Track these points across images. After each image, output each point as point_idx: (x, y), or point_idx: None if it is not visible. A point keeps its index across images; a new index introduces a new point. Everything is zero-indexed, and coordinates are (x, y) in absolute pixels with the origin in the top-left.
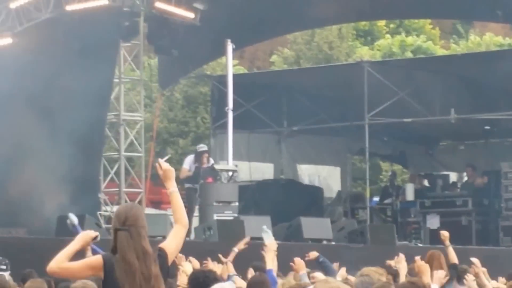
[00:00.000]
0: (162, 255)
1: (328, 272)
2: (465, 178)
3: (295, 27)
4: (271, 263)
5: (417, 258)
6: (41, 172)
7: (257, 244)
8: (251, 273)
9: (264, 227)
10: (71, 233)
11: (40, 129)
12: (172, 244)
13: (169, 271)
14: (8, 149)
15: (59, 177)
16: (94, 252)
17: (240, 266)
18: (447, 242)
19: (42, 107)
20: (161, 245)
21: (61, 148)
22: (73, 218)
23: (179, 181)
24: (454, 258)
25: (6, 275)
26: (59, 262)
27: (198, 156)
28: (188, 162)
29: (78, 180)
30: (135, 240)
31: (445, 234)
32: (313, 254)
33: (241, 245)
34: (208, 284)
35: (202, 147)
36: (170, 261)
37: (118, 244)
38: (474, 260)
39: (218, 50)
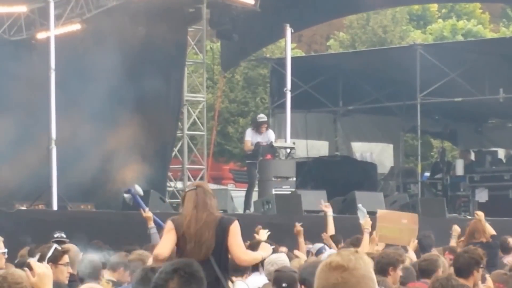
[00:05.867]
0: (225, 224)
1: None
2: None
3: (351, 10)
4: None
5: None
6: (111, 148)
7: (312, 217)
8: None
9: (360, 205)
10: (137, 207)
11: (109, 108)
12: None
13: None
14: (80, 127)
15: (128, 154)
16: (156, 224)
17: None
18: (483, 220)
19: (112, 87)
20: (230, 228)
21: (131, 126)
22: (138, 189)
23: (241, 159)
24: (492, 230)
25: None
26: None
27: (258, 126)
28: (249, 134)
29: (148, 156)
30: (199, 195)
31: (479, 213)
32: None
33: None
34: None
35: (262, 117)
36: (229, 237)
37: (186, 202)
38: None
39: (276, 34)
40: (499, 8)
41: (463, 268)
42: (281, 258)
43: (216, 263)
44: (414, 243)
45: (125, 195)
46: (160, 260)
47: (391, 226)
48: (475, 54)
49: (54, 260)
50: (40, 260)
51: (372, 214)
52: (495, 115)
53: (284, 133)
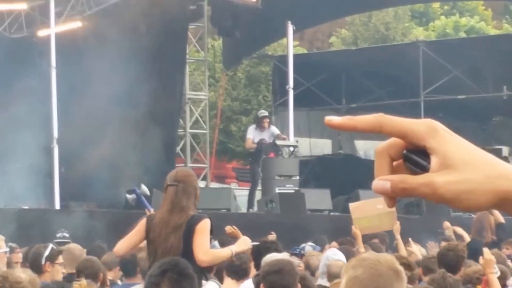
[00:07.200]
0: (192, 222)
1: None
2: None
3: (353, 9)
4: None
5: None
6: (112, 147)
7: (315, 216)
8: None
9: None
10: (141, 207)
11: (112, 106)
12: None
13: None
14: (81, 126)
15: (130, 152)
16: (140, 202)
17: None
18: None
19: (113, 85)
20: (196, 228)
21: (134, 124)
22: (144, 189)
23: (244, 157)
24: (500, 218)
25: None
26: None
27: (259, 121)
28: (251, 131)
29: (151, 154)
30: (178, 195)
31: None
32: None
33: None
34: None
35: (263, 112)
36: (194, 236)
37: (164, 198)
38: None
39: (279, 32)
40: (501, 5)
41: (451, 266)
42: (274, 258)
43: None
44: (397, 225)
45: (128, 196)
46: (117, 256)
47: (367, 216)
48: (478, 51)
49: (52, 259)
50: (39, 259)
51: None
52: (499, 112)
53: (287, 131)
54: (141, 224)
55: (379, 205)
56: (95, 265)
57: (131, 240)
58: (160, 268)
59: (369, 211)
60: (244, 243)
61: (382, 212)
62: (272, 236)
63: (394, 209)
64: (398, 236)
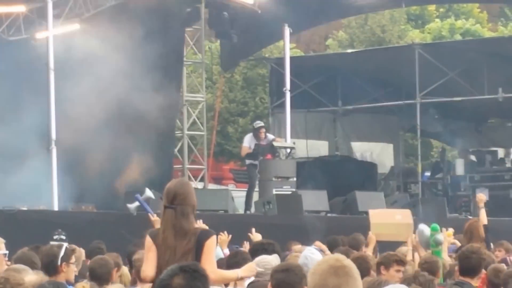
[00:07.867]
0: (201, 238)
1: None
2: None
3: (350, 12)
4: None
5: None
6: (110, 149)
7: (312, 217)
8: None
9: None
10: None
11: (109, 108)
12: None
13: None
14: (79, 128)
15: (129, 154)
16: (143, 208)
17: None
18: (482, 204)
19: (111, 87)
20: (205, 244)
21: (132, 126)
22: (149, 193)
23: (241, 159)
24: (484, 219)
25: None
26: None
27: (256, 132)
28: (248, 140)
29: (149, 156)
30: (178, 218)
31: (480, 197)
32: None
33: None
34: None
35: (259, 123)
36: (202, 253)
37: (163, 221)
38: None
39: (275, 35)
40: (497, 8)
41: (473, 268)
42: (265, 260)
43: None
44: (412, 238)
45: (129, 206)
46: (149, 281)
47: (385, 223)
48: (473, 54)
49: (67, 259)
50: (55, 260)
51: None
52: (494, 114)
53: (284, 133)
54: (148, 242)
55: (398, 215)
56: (108, 263)
57: (151, 260)
58: (178, 266)
59: (388, 219)
60: (250, 270)
61: (400, 223)
62: (254, 233)
63: (412, 221)
64: (410, 247)
